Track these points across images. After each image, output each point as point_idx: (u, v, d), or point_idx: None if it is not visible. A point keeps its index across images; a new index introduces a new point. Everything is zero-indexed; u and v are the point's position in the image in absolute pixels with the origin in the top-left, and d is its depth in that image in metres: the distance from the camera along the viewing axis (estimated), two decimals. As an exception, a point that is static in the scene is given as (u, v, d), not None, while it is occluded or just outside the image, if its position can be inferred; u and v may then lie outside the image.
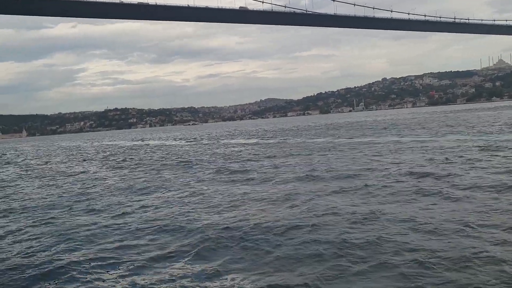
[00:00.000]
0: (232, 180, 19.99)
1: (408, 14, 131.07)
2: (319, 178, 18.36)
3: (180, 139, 77.25)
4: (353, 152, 28.22)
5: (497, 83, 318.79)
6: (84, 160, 41.68)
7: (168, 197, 16.69)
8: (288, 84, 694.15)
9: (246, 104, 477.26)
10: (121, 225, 12.49)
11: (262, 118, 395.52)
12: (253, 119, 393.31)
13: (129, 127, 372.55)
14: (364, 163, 22.30)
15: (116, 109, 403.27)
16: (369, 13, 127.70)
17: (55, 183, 24.27)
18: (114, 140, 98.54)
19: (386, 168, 19.58)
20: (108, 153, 51.19)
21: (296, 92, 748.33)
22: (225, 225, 11.36)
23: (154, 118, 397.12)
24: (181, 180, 21.54)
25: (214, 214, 13.14)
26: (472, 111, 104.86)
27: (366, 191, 14.68)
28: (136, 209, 14.89)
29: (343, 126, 76.37)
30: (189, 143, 59.26)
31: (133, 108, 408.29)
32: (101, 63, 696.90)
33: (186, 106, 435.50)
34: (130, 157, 40.97)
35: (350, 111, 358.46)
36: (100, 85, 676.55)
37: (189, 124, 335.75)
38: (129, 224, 12.58)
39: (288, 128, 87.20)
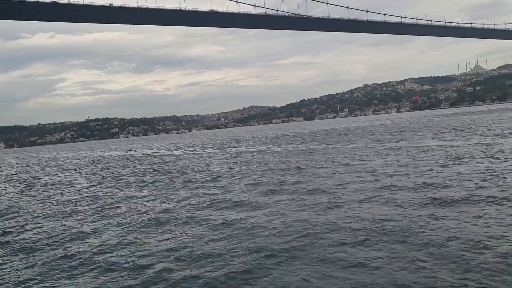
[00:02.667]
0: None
1: (401, 17, 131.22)
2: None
3: (184, 148, 73.84)
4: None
5: (478, 88, 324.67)
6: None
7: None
8: (270, 91, 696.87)
9: (229, 112, 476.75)
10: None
11: (247, 125, 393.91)
12: (237, 126, 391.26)
13: (111, 137, 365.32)
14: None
15: (97, 119, 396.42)
16: (363, 16, 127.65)
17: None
18: (110, 151, 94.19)
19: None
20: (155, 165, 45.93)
21: (278, 99, 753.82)
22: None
23: (137, 128, 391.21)
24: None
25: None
26: (468, 114, 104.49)
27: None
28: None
29: (354, 131, 74.13)
30: (209, 152, 56.00)
31: (115, 117, 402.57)
32: (81, 73, 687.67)
33: (168, 115, 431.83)
34: (178, 169, 34.73)
35: (334, 117, 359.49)
36: (80, 95, 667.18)
37: (178, 133, 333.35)
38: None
39: (289, 134, 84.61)
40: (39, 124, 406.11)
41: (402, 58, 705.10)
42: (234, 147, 59.95)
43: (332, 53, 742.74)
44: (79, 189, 25.74)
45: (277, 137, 79.64)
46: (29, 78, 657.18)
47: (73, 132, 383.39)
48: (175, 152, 60.40)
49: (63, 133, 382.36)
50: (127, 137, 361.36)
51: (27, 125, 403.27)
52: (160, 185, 23.96)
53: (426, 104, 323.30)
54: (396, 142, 39.45)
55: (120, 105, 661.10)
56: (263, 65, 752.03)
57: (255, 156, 38.63)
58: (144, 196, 20.25)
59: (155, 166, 38.41)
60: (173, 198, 18.92)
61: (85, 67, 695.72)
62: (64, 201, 21.10)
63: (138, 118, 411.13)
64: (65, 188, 27.38)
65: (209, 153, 51.50)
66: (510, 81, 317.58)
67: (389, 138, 46.05)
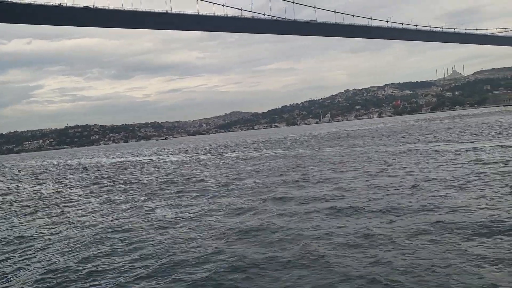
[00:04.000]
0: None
1: (387, 22, 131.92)
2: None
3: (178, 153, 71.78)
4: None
5: (456, 93, 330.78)
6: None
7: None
8: (252, 97, 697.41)
9: (211, 118, 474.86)
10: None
11: (229, 131, 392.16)
12: (220, 132, 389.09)
13: (92, 144, 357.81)
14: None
15: (77, 126, 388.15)
16: (349, 20, 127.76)
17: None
18: (100, 157, 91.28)
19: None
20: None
21: (260, 105, 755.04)
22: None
23: (118, 134, 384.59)
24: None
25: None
26: (458, 117, 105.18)
27: None
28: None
29: (355, 135, 73.28)
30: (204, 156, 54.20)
31: (95, 124, 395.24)
32: (58, 80, 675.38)
33: (149, 121, 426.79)
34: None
35: (316, 122, 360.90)
36: (58, 102, 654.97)
37: (162, 139, 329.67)
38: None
39: (277, 140, 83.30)
40: (16, 131, 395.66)
41: (381, 64, 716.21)
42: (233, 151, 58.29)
43: (313, 59, 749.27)
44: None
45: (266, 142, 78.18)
46: (6, 85, 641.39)
47: (52, 139, 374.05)
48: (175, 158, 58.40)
49: (41, 141, 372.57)
50: (108, 144, 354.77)
51: (3, 133, 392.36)
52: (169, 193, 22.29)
53: (407, 109, 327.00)
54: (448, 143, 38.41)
55: (100, 112, 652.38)
56: (244, 71, 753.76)
57: (260, 162, 37.08)
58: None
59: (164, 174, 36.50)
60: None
61: (63, 74, 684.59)
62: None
63: (118, 125, 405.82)
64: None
65: (206, 158, 49.74)
66: (487, 86, 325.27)
67: (421, 139, 45.08)
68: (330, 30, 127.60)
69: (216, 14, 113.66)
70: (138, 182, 29.30)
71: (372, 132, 74.46)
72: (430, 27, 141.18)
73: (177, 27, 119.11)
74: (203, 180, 26.05)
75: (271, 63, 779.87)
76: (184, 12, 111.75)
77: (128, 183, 28.90)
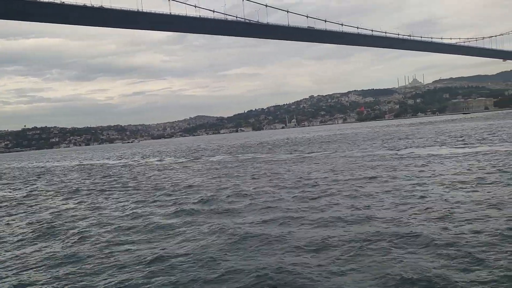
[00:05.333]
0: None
1: (357, 28, 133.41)
2: None
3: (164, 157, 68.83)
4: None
5: (418, 100, 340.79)
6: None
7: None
8: (217, 101, 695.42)
9: (175, 121, 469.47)
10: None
11: (194, 135, 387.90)
12: (184, 136, 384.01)
13: (51, 146, 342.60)
14: None
15: (35, 128, 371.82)
16: (321, 25, 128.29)
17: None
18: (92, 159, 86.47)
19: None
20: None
21: (226, 109, 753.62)
22: None
23: (79, 137, 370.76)
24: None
25: None
26: (424, 124, 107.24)
27: None
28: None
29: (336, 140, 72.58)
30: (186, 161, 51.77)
31: (55, 126, 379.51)
32: (15, 80, 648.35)
33: (112, 124, 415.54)
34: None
35: (283, 127, 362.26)
36: (14, 103, 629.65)
37: (129, 142, 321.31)
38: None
39: (249, 144, 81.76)
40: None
41: (344, 71, 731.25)
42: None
43: (277, 65, 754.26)
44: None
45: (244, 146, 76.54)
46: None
47: (8, 142, 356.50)
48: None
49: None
50: (69, 147, 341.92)
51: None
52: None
53: (371, 115, 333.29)
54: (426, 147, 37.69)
55: (60, 114, 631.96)
56: (210, 75, 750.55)
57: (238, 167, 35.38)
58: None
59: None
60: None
61: (20, 74, 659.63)
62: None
63: (80, 127, 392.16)
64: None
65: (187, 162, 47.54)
66: (446, 94, 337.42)
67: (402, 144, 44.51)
68: (303, 34, 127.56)
69: (188, 15, 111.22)
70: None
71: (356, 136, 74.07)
72: (398, 34, 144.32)
73: (148, 26, 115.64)
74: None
75: (236, 67, 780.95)
76: (156, 12, 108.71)
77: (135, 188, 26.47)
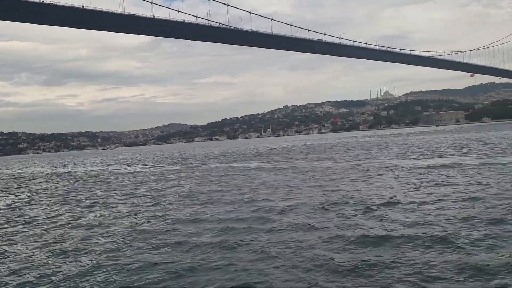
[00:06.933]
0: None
1: (339, 38, 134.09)
2: None
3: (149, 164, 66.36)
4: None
5: (391, 112, 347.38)
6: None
7: None
8: (190, 109, 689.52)
9: (148, 129, 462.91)
10: None
11: (168, 143, 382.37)
12: (158, 144, 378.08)
13: (19, 152, 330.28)
14: None
15: (2, 133, 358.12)
16: (304, 34, 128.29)
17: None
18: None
19: None
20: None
21: (199, 117, 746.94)
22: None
23: (48, 143, 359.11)
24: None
25: None
26: (400, 135, 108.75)
27: None
28: None
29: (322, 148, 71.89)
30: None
31: (23, 132, 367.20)
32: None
33: (83, 131, 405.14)
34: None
35: (258, 136, 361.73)
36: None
37: (104, 149, 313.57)
38: None
39: (244, 151, 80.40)
40: None
41: (317, 82, 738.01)
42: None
43: (251, 74, 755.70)
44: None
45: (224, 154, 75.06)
46: None
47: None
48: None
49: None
50: (37, 153, 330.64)
51: None
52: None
53: (345, 126, 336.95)
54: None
55: (28, 119, 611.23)
56: (183, 82, 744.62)
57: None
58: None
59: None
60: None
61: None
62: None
63: (49, 133, 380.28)
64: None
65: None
66: (418, 107, 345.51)
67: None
68: (287, 43, 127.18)
69: (173, 19, 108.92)
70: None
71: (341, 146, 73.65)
72: (379, 46, 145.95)
73: (131, 30, 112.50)
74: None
75: (209, 76, 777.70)
76: (139, 15, 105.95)
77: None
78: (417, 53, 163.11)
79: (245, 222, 13.52)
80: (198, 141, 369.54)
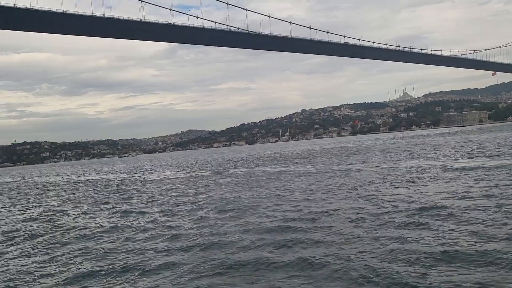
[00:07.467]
0: None
1: (359, 40, 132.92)
2: None
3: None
4: None
5: (411, 114, 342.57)
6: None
7: None
8: (208, 116, 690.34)
9: (167, 136, 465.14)
10: None
11: (187, 149, 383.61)
12: (177, 150, 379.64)
13: (42, 161, 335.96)
14: None
15: (25, 143, 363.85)
16: (323, 37, 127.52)
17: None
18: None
19: None
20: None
21: (217, 123, 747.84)
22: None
23: (70, 152, 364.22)
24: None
25: None
26: (425, 136, 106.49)
27: None
28: None
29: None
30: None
31: (45, 141, 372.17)
32: (4, 95, 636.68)
33: (103, 139, 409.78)
34: None
35: (276, 141, 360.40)
36: (4, 118, 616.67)
37: (125, 156, 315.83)
38: None
39: (270, 156, 79.56)
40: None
41: (334, 85, 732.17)
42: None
43: (267, 80, 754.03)
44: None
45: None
46: None
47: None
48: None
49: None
50: (60, 161, 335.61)
51: None
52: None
53: (365, 128, 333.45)
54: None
55: (50, 129, 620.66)
56: (200, 89, 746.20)
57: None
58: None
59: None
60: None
61: (9, 89, 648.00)
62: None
63: (70, 142, 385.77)
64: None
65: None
66: (438, 107, 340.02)
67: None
68: (307, 46, 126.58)
69: (192, 25, 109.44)
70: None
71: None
72: (399, 46, 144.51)
73: (150, 37, 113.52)
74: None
75: (226, 82, 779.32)
76: (158, 22, 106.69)
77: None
78: (438, 52, 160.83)
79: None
80: (217, 147, 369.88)
